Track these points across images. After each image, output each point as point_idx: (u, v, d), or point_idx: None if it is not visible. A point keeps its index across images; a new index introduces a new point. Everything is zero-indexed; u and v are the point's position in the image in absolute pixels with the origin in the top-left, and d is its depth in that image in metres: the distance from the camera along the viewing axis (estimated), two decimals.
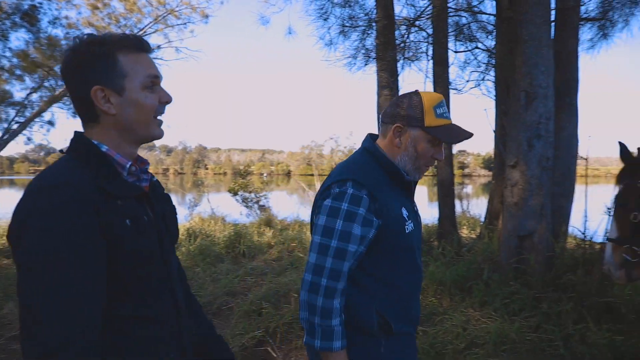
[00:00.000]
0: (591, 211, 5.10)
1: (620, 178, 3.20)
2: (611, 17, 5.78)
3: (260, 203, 12.05)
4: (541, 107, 4.29)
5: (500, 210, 6.09)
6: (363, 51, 5.72)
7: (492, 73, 6.24)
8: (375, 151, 1.60)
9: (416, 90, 1.65)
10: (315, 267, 1.46)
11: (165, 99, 1.19)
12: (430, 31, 6.08)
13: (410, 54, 6.24)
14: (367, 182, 1.50)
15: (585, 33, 6.08)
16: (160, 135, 1.21)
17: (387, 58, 5.50)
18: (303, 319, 1.48)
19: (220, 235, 7.75)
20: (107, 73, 1.10)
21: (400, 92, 5.94)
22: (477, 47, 6.09)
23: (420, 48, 6.46)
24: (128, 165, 1.15)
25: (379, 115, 6.38)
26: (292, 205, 12.41)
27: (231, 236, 7.33)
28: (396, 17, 5.74)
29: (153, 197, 1.23)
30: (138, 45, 1.15)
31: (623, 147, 3.21)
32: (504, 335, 3.62)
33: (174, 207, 1.37)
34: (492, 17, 5.86)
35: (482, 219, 9.76)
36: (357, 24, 5.79)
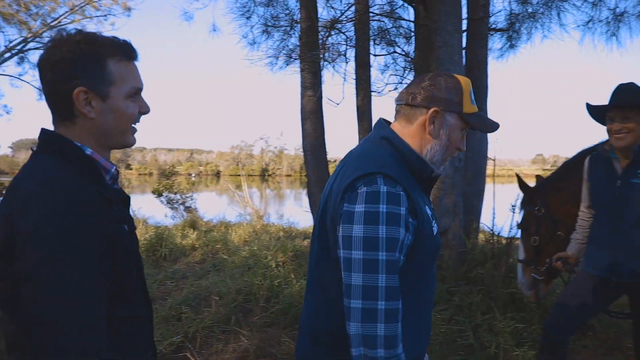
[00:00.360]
0: (500, 208, 5.45)
1: (521, 206, 3.55)
2: (517, 28, 6.24)
3: (187, 204, 11.71)
4: None
5: None
6: (285, 51, 5.74)
7: (411, 77, 6.50)
8: (399, 142, 1.35)
9: (443, 72, 1.47)
10: (364, 289, 1.17)
11: (145, 110, 1.18)
12: (351, 34, 6.21)
13: (334, 56, 6.34)
14: (398, 176, 1.25)
15: (496, 42, 6.52)
16: (133, 142, 1.19)
17: (310, 59, 5.55)
18: (358, 356, 1.19)
19: (140, 238, 7.41)
20: (94, 76, 1.06)
21: (324, 94, 6.03)
22: (395, 52, 6.29)
23: (342, 50, 6.57)
24: (113, 170, 1.14)
25: (304, 115, 6.46)
26: (220, 206, 12.17)
27: (152, 239, 7.04)
28: (319, 19, 5.81)
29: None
30: (129, 53, 1.13)
31: (519, 179, 3.54)
32: None
33: None
34: (411, 24, 6.11)
35: None
36: (280, 24, 5.79)
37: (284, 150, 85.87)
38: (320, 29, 5.96)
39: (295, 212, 11.60)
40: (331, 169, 6.43)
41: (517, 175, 3.55)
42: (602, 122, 2.60)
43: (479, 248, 4.64)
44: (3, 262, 0.95)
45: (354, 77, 6.13)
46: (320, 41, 6.03)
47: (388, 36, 5.99)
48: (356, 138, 6.28)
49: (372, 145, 1.39)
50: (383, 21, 6.21)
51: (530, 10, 5.53)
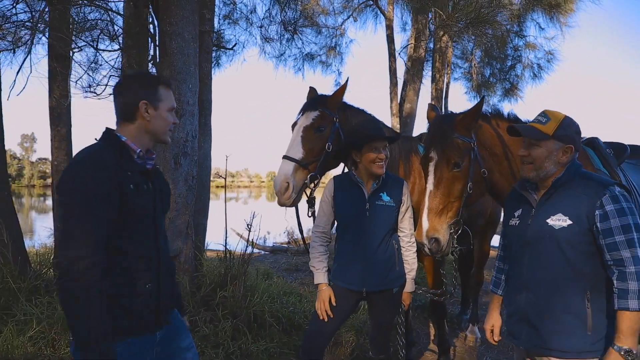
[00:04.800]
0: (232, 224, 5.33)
1: (314, 105, 3.21)
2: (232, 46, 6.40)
3: None
4: (189, 125, 4.21)
5: None
6: None
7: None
8: None
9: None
10: None
11: (175, 121, 1.98)
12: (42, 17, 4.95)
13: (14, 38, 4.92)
14: None
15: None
16: (169, 140, 2.01)
17: None
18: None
19: None
20: (152, 95, 1.85)
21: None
22: (97, 48, 5.23)
23: (24, 36, 5.21)
24: (138, 151, 1.83)
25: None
26: None
27: None
28: None
29: (154, 175, 1.93)
30: (168, 84, 1.96)
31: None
32: None
33: (167, 185, 2.13)
34: (130, 20, 5.30)
35: None
36: None
37: None
38: None
39: None
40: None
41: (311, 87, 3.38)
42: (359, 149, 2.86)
43: (212, 269, 4.44)
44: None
45: (47, 70, 4.94)
46: None
47: (109, 28, 4.99)
48: (48, 145, 5.05)
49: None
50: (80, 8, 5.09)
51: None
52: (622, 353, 1.83)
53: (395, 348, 3.35)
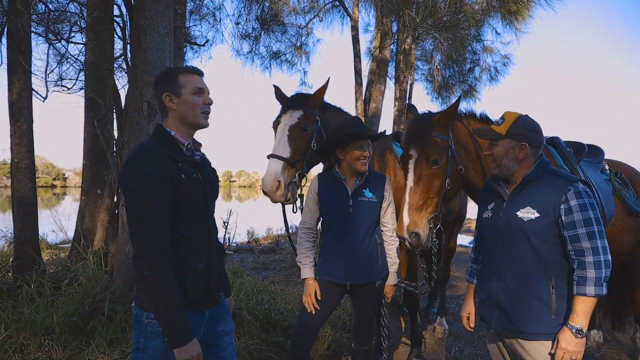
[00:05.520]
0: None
1: (298, 104, 3.24)
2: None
3: None
4: None
5: (96, 229, 5.46)
6: None
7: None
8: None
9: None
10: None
11: (208, 101, 2.04)
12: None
13: None
14: None
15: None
16: (205, 124, 2.06)
17: None
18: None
19: None
20: (172, 86, 1.98)
21: None
22: (68, 40, 5.00)
23: None
24: (186, 144, 2.00)
25: None
26: None
27: None
28: None
29: (202, 165, 2.08)
30: (188, 69, 2.04)
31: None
32: None
33: (216, 173, 2.25)
34: (95, 13, 5.11)
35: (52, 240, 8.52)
36: None
37: None
38: None
39: None
40: None
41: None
42: (343, 147, 2.92)
43: None
44: None
45: (7, 60, 4.71)
46: None
47: (65, 22, 4.78)
48: (8, 141, 4.81)
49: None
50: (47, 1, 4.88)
51: None
52: (573, 331, 2.03)
53: (378, 339, 3.44)
